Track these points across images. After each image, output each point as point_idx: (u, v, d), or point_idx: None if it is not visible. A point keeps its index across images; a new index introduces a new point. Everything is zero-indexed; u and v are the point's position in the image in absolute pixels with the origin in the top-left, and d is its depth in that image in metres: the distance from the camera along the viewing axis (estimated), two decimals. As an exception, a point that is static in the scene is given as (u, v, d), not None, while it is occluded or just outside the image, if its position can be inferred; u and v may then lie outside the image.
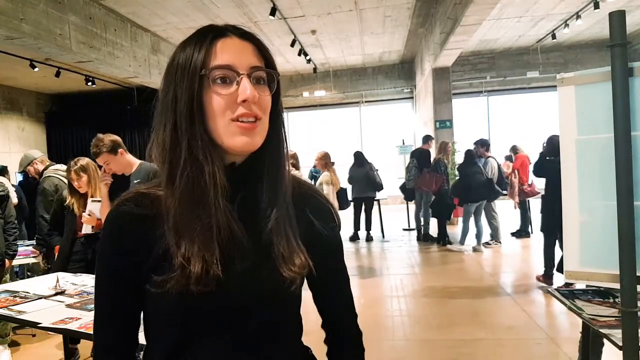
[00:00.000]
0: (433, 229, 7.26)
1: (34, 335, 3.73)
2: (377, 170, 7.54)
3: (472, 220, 6.41)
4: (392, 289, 4.85)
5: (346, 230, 7.37)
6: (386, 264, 6.04)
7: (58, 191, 3.62)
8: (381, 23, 8.38)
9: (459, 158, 7.80)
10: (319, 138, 12.18)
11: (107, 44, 6.72)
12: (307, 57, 9.93)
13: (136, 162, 2.90)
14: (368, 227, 7.61)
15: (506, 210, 8.03)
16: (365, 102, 12.43)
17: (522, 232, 7.18)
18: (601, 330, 1.63)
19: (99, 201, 2.97)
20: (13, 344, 3.58)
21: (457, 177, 6.66)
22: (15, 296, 2.32)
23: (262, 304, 0.74)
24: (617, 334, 1.50)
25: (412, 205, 7.83)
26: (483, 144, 6.88)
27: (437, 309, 4.15)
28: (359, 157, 7.54)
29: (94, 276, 0.79)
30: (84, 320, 1.89)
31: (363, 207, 7.51)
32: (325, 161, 5.68)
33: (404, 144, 9.45)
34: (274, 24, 7.76)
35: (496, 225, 6.61)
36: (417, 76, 11.13)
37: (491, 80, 11.41)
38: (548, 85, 10.92)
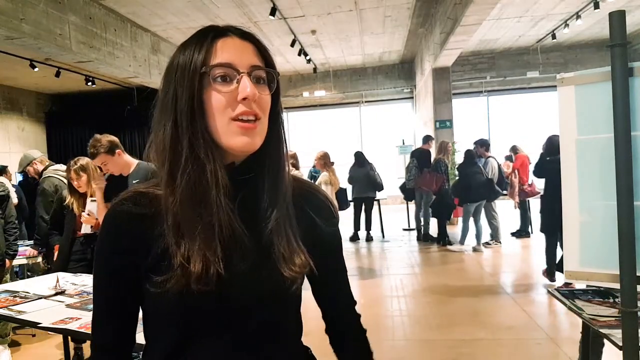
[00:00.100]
0: (433, 229, 7.26)
1: (34, 335, 3.73)
2: (376, 171, 7.54)
3: (472, 220, 6.41)
4: (392, 289, 4.85)
5: (346, 231, 7.36)
6: (386, 264, 6.04)
7: (58, 191, 3.62)
8: (381, 23, 8.38)
9: (459, 158, 7.80)
10: (319, 138, 12.18)
11: (107, 44, 6.72)
12: (307, 57, 9.93)
13: (134, 162, 2.89)
14: (368, 227, 7.60)
15: (506, 210, 8.03)
16: (365, 102, 12.42)
17: (522, 232, 7.19)
18: (601, 330, 1.63)
19: None
20: (13, 344, 3.58)
21: (457, 177, 6.67)
22: (15, 296, 2.32)
23: (262, 303, 0.74)
24: (617, 334, 1.50)
25: (412, 205, 7.83)
26: (483, 144, 6.88)
27: (437, 309, 4.15)
28: (359, 157, 7.53)
29: (93, 276, 0.79)
30: (84, 320, 1.89)
31: (363, 207, 7.50)
32: (324, 161, 5.68)
33: (404, 144, 9.44)
34: (274, 24, 7.76)
35: (496, 225, 6.61)
36: (417, 76, 11.13)
37: (491, 80, 11.40)
38: (548, 85, 10.92)
